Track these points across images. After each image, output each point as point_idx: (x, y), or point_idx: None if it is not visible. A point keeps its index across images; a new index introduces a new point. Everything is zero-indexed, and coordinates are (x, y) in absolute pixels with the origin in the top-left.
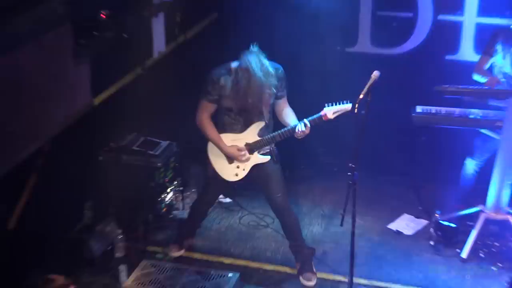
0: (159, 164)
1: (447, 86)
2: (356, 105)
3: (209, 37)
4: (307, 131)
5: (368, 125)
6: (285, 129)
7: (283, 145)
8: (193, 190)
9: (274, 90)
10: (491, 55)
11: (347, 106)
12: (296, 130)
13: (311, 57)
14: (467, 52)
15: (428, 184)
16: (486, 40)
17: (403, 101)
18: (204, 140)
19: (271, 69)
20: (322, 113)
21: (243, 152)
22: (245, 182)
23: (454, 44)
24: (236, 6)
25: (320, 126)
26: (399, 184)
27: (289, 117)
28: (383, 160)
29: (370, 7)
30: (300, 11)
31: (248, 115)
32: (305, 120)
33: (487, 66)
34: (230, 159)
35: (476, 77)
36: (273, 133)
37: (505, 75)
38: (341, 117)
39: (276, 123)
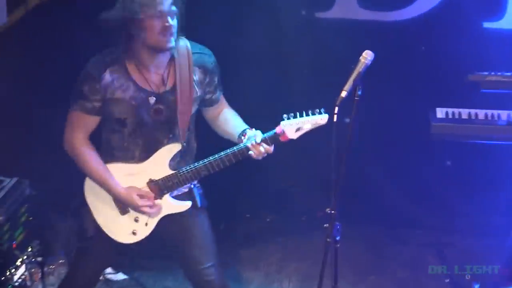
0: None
1: (486, 73)
2: (336, 109)
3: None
4: (267, 151)
5: (356, 141)
6: (217, 156)
7: (213, 177)
8: (61, 261)
9: (199, 91)
10: None
11: (320, 119)
12: (248, 144)
13: (261, 32)
14: None
15: (455, 239)
16: None
17: (413, 100)
18: (79, 175)
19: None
20: (277, 130)
21: (146, 199)
22: (150, 245)
23: (495, 2)
24: None
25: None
26: (410, 241)
27: (230, 122)
28: (382, 201)
29: None
30: None
31: (153, 133)
32: (257, 133)
33: None
34: (124, 207)
35: None
36: (196, 164)
37: None
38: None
39: (202, 146)
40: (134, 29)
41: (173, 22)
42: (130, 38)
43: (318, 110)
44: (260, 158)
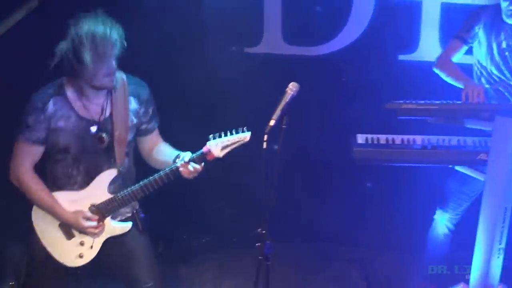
0: None
1: (401, 102)
2: (265, 137)
3: (25, 36)
4: (195, 172)
5: (284, 166)
6: (151, 178)
7: (153, 202)
8: (11, 282)
9: (135, 119)
10: (465, 41)
11: (243, 136)
12: (178, 164)
13: (192, 65)
14: (430, 48)
15: (380, 254)
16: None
17: (336, 127)
18: (24, 201)
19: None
20: (204, 149)
21: (92, 221)
22: (96, 267)
23: (410, 37)
24: None
25: (208, 170)
26: (338, 258)
27: (164, 152)
28: (310, 220)
29: None
30: None
31: (95, 159)
32: (186, 154)
33: (457, 56)
34: (69, 232)
35: (438, 72)
36: (132, 187)
37: (490, 80)
38: (243, 155)
39: (141, 171)
40: (79, 71)
41: (115, 64)
42: (74, 75)
43: (241, 129)
44: (191, 177)
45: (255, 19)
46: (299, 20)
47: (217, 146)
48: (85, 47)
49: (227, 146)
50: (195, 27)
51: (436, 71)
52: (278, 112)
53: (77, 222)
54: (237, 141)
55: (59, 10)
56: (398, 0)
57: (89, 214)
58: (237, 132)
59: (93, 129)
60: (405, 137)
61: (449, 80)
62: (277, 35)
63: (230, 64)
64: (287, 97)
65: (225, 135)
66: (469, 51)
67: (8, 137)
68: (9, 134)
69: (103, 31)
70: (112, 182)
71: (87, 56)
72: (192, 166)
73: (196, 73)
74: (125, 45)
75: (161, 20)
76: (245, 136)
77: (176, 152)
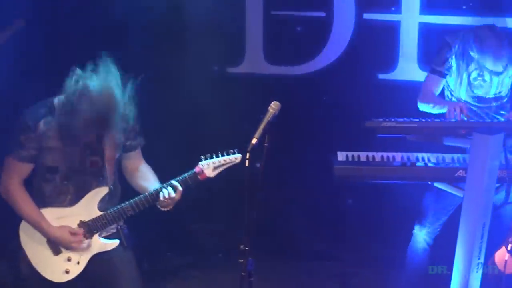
0: None
1: (381, 120)
2: (248, 155)
3: (13, 55)
4: (177, 197)
5: (266, 184)
6: (142, 196)
7: (138, 220)
8: None
9: (122, 138)
10: (442, 75)
11: (234, 158)
12: (160, 197)
13: (176, 85)
14: (409, 67)
15: (360, 269)
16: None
17: (317, 145)
18: (14, 218)
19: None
20: (196, 169)
21: (78, 237)
22: (82, 283)
23: (389, 56)
24: (57, 10)
25: (195, 188)
26: (320, 273)
27: (146, 178)
28: (292, 237)
29: (261, 4)
30: (154, 17)
31: (84, 178)
32: (173, 182)
33: (438, 90)
34: (57, 248)
35: (424, 107)
36: (122, 204)
37: (452, 94)
38: (227, 172)
39: (126, 187)
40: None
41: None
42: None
43: (232, 151)
44: (166, 207)
45: (237, 40)
46: (280, 40)
47: (209, 166)
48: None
49: (218, 166)
50: (178, 48)
51: (423, 107)
52: (260, 130)
53: (63, 237)
54: (229, 162)
55: (46, 30)
56: (377, 20)
57: (75, 229)
58: (228, 154)
59: (83, 148)
60: (385, 154)
61: (435, 110)
62: (258, 55)
63: (213, 84)
64: (269, 116)
65: (216, 156)
66: None
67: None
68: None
69: (100, 106)
70: (101, 200)
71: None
72: (171, 195)
73: (178, 93)
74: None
75: (146, 40)
76: (236, 157)
77: (155, 183)
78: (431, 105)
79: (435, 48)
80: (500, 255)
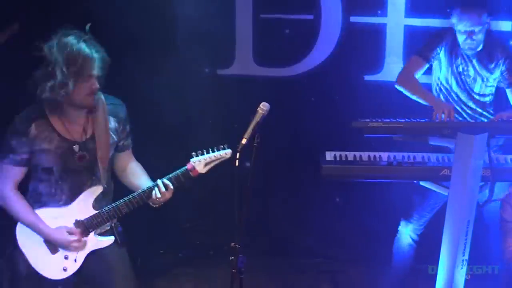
0: None
1: (368, 120)
2: (238, 155)
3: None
4: (168, 195)
5: (256, 183)
6: (136, 194)
7: (132, 218)
8: None
9: (115, 137)
10: (427, 60)
11: (224, 153)
12: (153, 195)
13: (169, 86)
14: (394, 69)
15: (349, 266)
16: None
17: (305, 145)
18: (9, 219)
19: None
20: (188, 166)
21: (75, 236)
22: (79, 279)
23: (375, 58)
24: (50, 9)
25: (188, 187)
26: (310, 270)
27: (137, 175)
28: (282, 235)
29: (250, 7)
30: (148, 21)
31: (78, 177)
32: (164, 180)
33: (419, 73)
34: (54, 247)
35: (401, 88)
36: (117, 202)
37: (448, 97)
38: (218, 172)
39: (118, 187)
40: (61, 90)
41: (98, 83)
42: (55, 94)
43: (222, 146)
44: (158, 204)
45: (227, 43)
46: (269, 42)
47: (200, 162)
48: (69, 65)
49: (209, 162)
50: (170, 50)
51: (399, 87)
52: (249, 131)
53: (60, 237)
54: (219, 158)
55: (41, 33)
56: (364, 23)
57: (72, 229)
58: (218, 150)
59: (76, 148)
60: (372, 154)
61: (414, 97)
62: (248, 57)
63: (204, 85)
64: (258, 117)
65: (207, 152)
66: (427, 71)
67: None
68: None
69: (87, 50)
70: (96, 199)
71: (70, 74)
72: (162, 192)
73: (171, 94)
74: (108, 65)
75: (139, 42)
76: (226, 153)
77: (147, 181)
78: (409, 91)
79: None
80: None
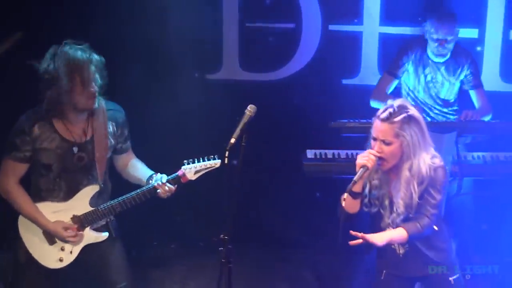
0: None
1: (345, 121)
2: (226, 154)
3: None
4: (174, 188)
5: (243, 179)
6: (130, 196)
7: (126, 212)
8: None
9: (112, 141)
10: (396, 76)
11: (214, 163)
12: (155, 183)
13: (159, 90)
14: (370, 73)
15: (329, 256)
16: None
17: (288, 144)
18: (11, 212)
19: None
20: (179, 172)
21: (70, 230)
22: (75, 270)
23: (352, 63)
24: (51, 20)
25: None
26: (293, 260)
27: (136, 168)
28: (267, 227)
29: (236, 17)
30: (137, 25)
31: (75, 176)
32: (162, 176)
33: (390, 89)
34: (52, 238)
35: (376, 104)
36: (112, 202)
37: (416, 101)
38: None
39: (117, 187)
40: (62, 95)
41: (97, 87)
42: (57, 99)
43: (212, 157)
44: (165, 196)
45: (215, 49)
46: (254, 49)
47: (190, 170)
48: (69, 71)
49: (199, 170)
50: (162, 56)
51: (373, 102)
52: (238, 131)
53: (57, 231)
54: (209, 167)
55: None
56: (341, 31)
57: (69, 224)
58: (208, 159)
59: (75, 149)
60: (349, 151)
61: (378, 105)
62: (235, 63)
63: (193, 89)
64: (246, 118)
65: (198, 161)
66: None
67: None
68: None
69: (85, 56)
70: (93, 197)
71: (70, 80)
72: (168, 187)
73: (162, 98)
74: (105, 71)
75: (128, 48)
76: (216, 163)
77: (149, 172)
78: (382, 103)
79: (394, 54)
80: None
